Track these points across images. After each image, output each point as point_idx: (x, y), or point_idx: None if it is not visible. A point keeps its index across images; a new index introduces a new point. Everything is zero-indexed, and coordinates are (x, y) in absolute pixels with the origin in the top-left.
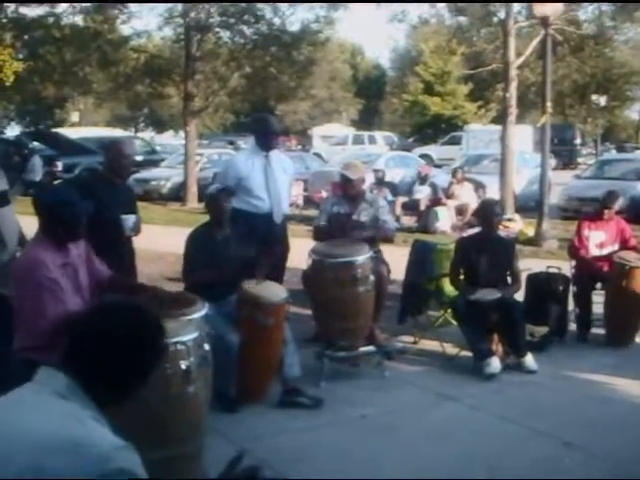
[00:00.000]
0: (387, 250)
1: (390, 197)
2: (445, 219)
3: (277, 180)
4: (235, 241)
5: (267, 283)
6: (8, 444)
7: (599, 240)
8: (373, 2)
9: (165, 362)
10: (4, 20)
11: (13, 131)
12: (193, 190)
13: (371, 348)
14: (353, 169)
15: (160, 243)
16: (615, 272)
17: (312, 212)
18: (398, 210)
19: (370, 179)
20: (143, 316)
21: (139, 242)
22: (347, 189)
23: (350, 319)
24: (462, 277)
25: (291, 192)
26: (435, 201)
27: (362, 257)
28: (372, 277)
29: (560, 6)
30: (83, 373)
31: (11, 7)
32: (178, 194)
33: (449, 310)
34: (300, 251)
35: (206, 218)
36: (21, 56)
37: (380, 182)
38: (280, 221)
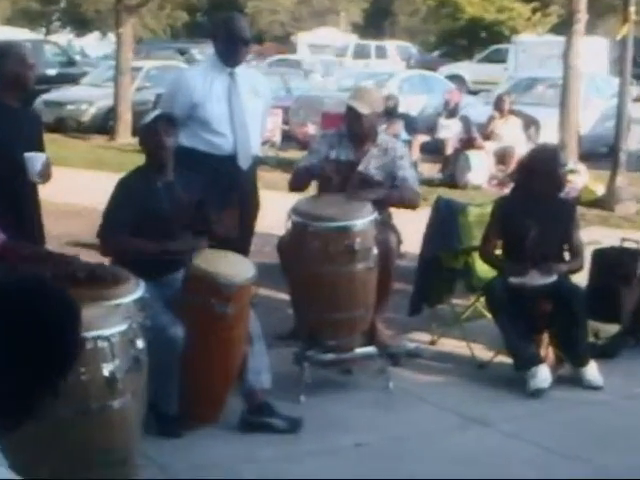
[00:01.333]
0: (397, 212)
1: (404, 136)
2: (480, 168)
3: (246, 108)
4: (182, 194)
5: (227, 255)
6: None
7: None
8: None
9: (80, 365)
10: None
11: None
12: (126, 119)
13: (371, 349)
14: (366, 99)
15: (78, 193)
16: None
17: (294, 154)
18: (415, 154)
19: None
20: (47, 299)
21: (48, 192)
22: (354, 127)
23: (343, 308)
24: (500, 252)
25: (265, 125)
26: (467, 142)
27: (362, 221)
28: (375, 249)
29: None
30: None
31: None
32: (105, 124)
33: (481, 298)
34: (275, 210)
35: (142, 159)
36: None
37: (391, 114)
38: (248, 167)
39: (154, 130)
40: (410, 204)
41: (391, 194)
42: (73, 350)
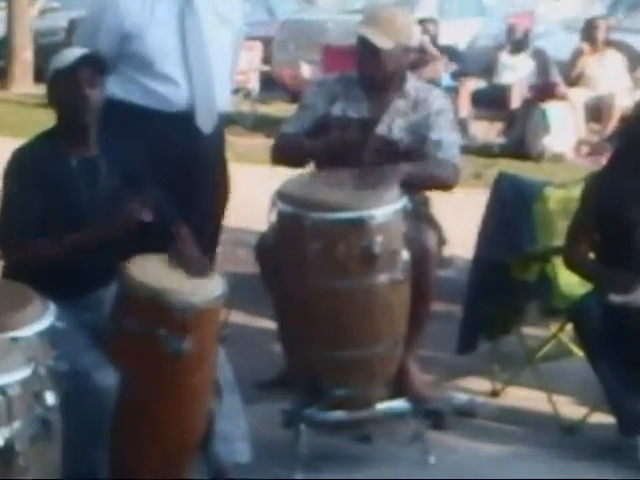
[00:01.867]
0: (436, 196)
1: (447, 80)
2: (564, 129)
3: (207, 40)
4: (113, 171)
5: (182, 262)
6: None
7: None
8: None
9: None
10: None
11: None
12: (25, 57)
13: (400, 404)
14: (387, 25)
15: None
16: None
17: (278, 109)
18: (464, 108)
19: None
20: None
21: None
22: (369, 69)
23: (357, 341)
24: (595, 255)
25: (236, 66)
26: (544, 90)
27: (384, 210)
28: (405, 254)
29: None
30: None
31: None
32: None
33: (567, 326)
34: (253, 194)
35: (51, 119)
36: None
37: (427, 47)
38: (211, 129)
39: (71, 79)
40: (443, 184)
41: (420, 172)
42: None
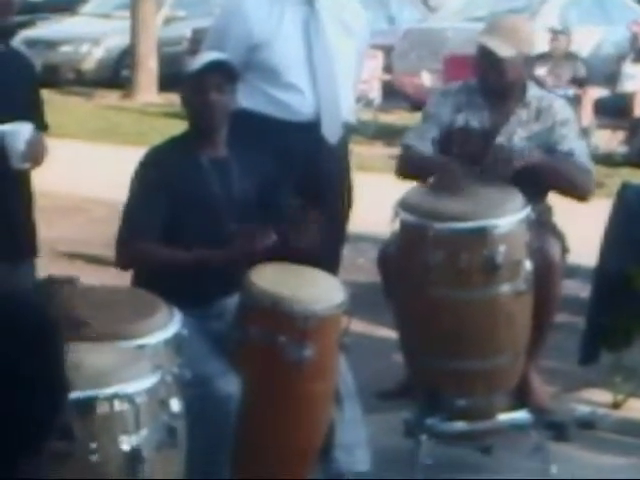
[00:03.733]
0: (559, 205)
1: (571, 90)
2: None
3: (334, 53)
4: (244, 174)
5: (303, 271)
6: None
7: None
8: None
9: (88, 438)
10: None
11: None
12: (149, 66)
13: (522, 415)
14: (509, 34)
15: (79, 179)
16: None
17: (400, 117)
18: (587, 117)
19: None
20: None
21: (37, 180)
22: (491, 78)
23: (479, 352)
24: None
25: (360, 76)
26: None
27: (508, 219)
28: (529, 263)
29: None
30: None
31: None
32: (117, 74)
33: None
34: (375, 203)
35: (174, 127)
36: None
37: (552, 56)
38: (336, 139)
39: (198, 83)
40: (580, 190)
41: (554, 164)
42: (52, 393)
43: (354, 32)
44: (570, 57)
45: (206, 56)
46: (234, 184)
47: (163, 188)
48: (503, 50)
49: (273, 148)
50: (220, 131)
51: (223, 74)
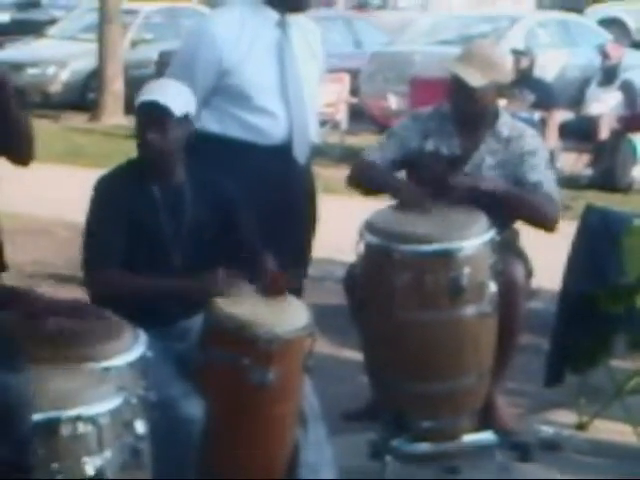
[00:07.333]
0: (524, 228)
1: (536, 115)
2: None
3: (304, 76)
4: (200, 200)
5: (268, 295)
6: None
7: None
8: None
9: (51, 459)
10: None
11: None
12: (115, 88)
13: (487, 436)
14: (481, 62)
15: (46, 201)
16: None
17: (365, 140)
18: (552, 140)
19: None
20: None
21: (7, 200)
22: (462, 106)
23: (444, 374)
24: None
25: (320, 99)
26: (632, 122)
27: (473, 242)
28: (493, 286)
29: None
30: None
31: None
32: (84, 97)
33: None
34: (340, 225)
35: (135, 152)
36: None
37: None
38: (305, 160)
39: (138, 122)
40: (546, 221)
41: (519, 194)
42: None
43: (317, 54)
44: (533, 79)
45: (145, 94)
46: (186, 212)
47: (117, 219)
48: (476, 80)
49: (242, 171)
50: (168, 162)
51: (157, 115)
